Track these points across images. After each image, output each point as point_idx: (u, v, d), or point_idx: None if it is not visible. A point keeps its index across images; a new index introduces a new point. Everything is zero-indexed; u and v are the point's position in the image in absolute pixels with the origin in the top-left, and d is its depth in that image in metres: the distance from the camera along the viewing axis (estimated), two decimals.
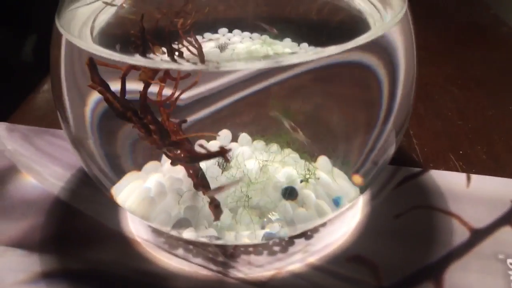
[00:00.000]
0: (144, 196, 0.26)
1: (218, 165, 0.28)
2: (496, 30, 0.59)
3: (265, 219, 0.25)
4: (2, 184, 0.32)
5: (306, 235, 0.27)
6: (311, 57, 0.20)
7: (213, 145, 0.28)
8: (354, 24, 0.27)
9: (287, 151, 0.27)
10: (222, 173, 0.27)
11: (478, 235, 0.27)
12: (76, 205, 0.30)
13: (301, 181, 0.26)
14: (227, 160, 0.21)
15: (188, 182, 0.26)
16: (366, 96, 0.24)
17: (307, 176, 0.26)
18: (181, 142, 0.22)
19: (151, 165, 0.27)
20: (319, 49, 0.22)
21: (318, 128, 0.26)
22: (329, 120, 0.26)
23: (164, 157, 0.26)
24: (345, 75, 0.23)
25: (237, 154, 0.27)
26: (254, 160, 0.27)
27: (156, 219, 0.26)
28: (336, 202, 0.26)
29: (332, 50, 0.21)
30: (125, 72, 0.21)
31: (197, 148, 0.22)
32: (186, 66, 0.21)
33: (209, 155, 0.21)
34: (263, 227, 0.25)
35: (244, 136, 0.28)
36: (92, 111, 0.24)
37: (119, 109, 0.23)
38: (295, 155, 0.27)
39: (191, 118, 0.25)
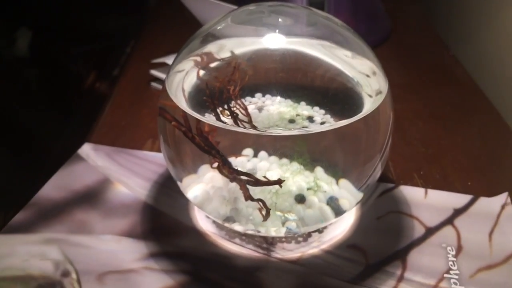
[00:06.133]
0: (205, 196, 0.38)
1: None
2: (454, 71, 0.68)
3: (283, 216, 0.38)
4: (104, 192, 0.44)
5: (319, 230, 0.41)
6: (331, 127, 0.34)
7: (240, 160, 0.38)
8: (348, 90, 0.38)
9: (295, 163, 0.37)
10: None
11: (430, 231, 0.40)
12: (160, 208, 0.43)
13: (308, 189, 0.37)
14: (280, 186, 0.34)
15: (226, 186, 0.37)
16: (370, 142, 0.36)
17: (315, 188, 0.39)
18: (249, 175, 0.35)
19: (204, 168, 0.37)
20: (333, 122, 0.35)
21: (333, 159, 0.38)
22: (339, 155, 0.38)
23: (201, 168, 0.37)
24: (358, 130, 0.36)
25: (260, 167, 0.38)
26: (276, 174, 0.37)
27: (211, 214, 0.38)
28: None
29: (345, 122, 0.33)
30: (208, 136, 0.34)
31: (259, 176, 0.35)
32: (247, 131, 0.34)
33: (268, 183, 0.34)
34: (283, 224, 0.39)
35: (263, 153, 0.36)
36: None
37: (204, 148, 0.36)
38: (301, 167, 0.36)
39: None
